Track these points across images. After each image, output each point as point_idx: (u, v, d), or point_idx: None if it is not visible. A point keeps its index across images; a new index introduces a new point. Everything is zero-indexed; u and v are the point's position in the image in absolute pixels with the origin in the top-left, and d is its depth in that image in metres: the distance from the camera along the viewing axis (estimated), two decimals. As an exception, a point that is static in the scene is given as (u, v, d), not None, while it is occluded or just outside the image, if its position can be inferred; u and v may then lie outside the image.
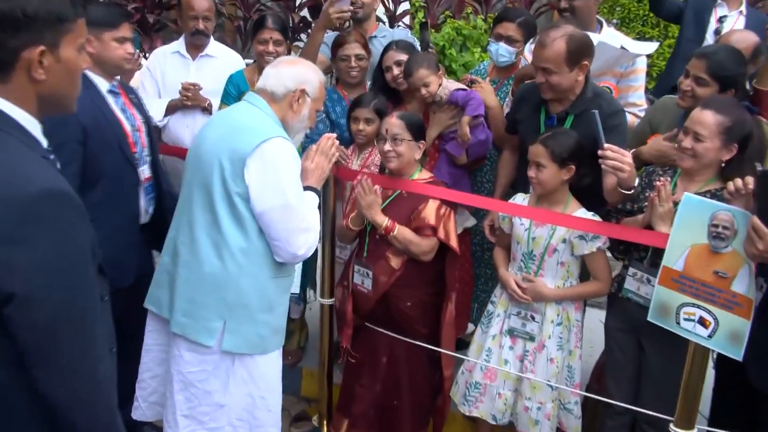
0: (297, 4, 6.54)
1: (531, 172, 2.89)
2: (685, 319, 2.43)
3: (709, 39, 4.72)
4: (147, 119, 3.12)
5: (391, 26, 6.19)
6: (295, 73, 2.59)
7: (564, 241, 2.90)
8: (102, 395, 1.57)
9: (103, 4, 2.82)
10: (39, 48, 1.49)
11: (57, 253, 1.45)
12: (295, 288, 3.27)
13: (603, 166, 2.67)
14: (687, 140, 2.61)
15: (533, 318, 2.96)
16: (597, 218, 2.90)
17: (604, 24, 3.62)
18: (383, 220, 2.99)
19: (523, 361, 2.98)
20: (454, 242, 3.03)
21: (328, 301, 3.28)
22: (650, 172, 2.91)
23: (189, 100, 3.82)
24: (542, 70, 2.92)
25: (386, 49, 3.64)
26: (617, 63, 3.46)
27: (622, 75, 3.55)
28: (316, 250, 3.06)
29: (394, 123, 3.06)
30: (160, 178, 3.15)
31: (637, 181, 2.73)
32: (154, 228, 3.12)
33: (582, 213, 2.91)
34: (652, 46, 3.57)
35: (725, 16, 4.79)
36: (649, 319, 2.53)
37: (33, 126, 1.55)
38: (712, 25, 4.80)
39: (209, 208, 2.47)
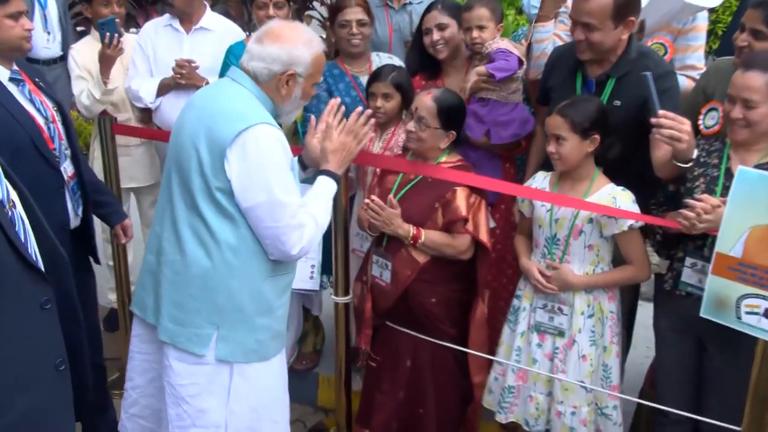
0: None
1: (551, 147, 2.69)
2: (748, 313, 2.24)
3: None
4: (59, 105, 2.75)
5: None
6: (282, 52, 2.30)
7: (590, 220, 2.70)
8: None
9: None
10: None
11: None
12: (315, 283, 3.17)
13: (657, 136, 2.48)
14: (736, 109, 2.42)
15: (561, 311, 2.77)
16: (628, 193, 2.68)
17: None
18: (407, 230, 2.82)
19: (553, 359, 2.80)
20: (484, 236, 2.84)
21: (343, 300, 3.05)
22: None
23: (183, 79, 3.56)
24: (582, 26, 2.70)
25: (429, 8, 3.31)
26: (677, 17, 3.16)
27: (679, 32, 3.21)
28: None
29: (425, 104, 2.86)
30: (82, 171, 2.80)
31: (696, 153, 2.54)
32: (85, 231, 2.85)
33: (610, 189, 2.70)
34: (717, 0, 3.21)
35: None
36: (702, 314, 2.33)
37: None
38: None
39: (191, 203, 2.29)
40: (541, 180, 2.87)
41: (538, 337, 2.80)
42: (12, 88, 2.55)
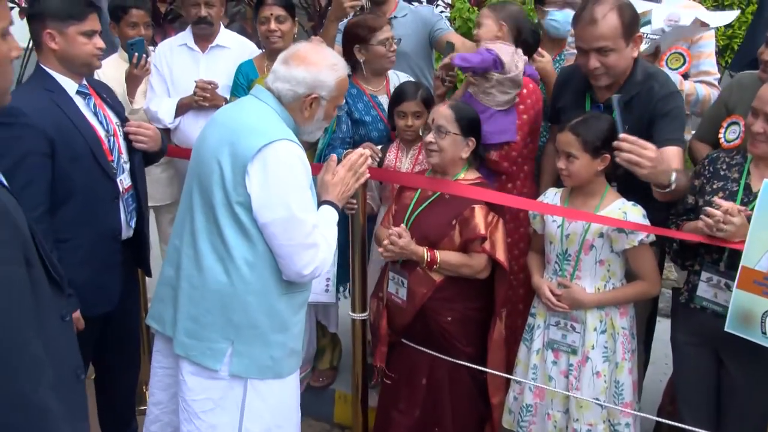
0: (325, -15, 6.22)
1: (561, 164, 2.67)
2: None
3: None
4: (123, 121, 2.83)
5: (430, 4, 5.84)
6: (307, 75, 2.33)
7: (601, 235, 2.67)
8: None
9: None
10: None
11: None
12: (330, 296, 3.20)
13: (617, 159, 2.47)
14: (758, 123, 2.39)
15: (573, 328, 2.73)
16: (639, 208, 2.66)
17: None
18: (422, 255, 2.80)
19: (568, 377, 2.76)
20: (501, 255, 2.81)
21: (360, 316, 3.01)
22: (714, 159, 2.65)
23: (206, 101, 3.54)
24: (596, 52, 2.64)
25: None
26: (692, 33, 3.14)
27: (692, 41, 3.23)
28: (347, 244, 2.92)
29: (442, 113, 2.85)
30: (139, 186, 2.88)
31: (674, 176, 2.50)
32: (138, 243, 2.90)
33: (620, 204, 2.67)
34: (730, 15, 3.24)
35: None
36: (727, 329, 2.34)
37: None
38: None
39: (211, 217, 2.30)
40: (552, 196, 2.85)
41: (553, 354, 2.77)
42: (78, 101, 2.63)
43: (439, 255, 2.78)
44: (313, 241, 2.28)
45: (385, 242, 2.81)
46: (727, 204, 2.37)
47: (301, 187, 2.28)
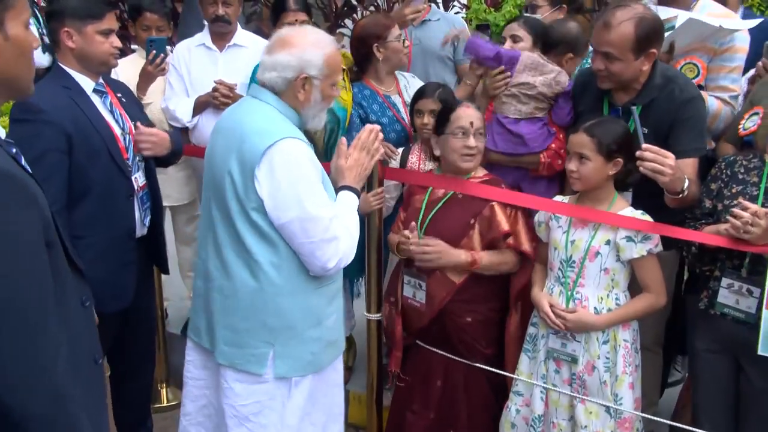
0: (340, -13, 6.22)
1: (572, 165, 2.61)
2: None
3: None
4: (139, 120, 2.84)
5: (446, 7, 5.86)
6: (291, 58, 2.28)
7: (608, 243, 2.61)
8: (54, 387, 1.48)
9: None
10: None
11: None
12: None
13: (641, 169, 2.48)
14: None
15: (573, 337, 2.67)
16: (647, 217, 2.61)
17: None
18: (465, 258, 2.77)
19: (572, 385, 2.70)
20: (526, 246, 2.82)
21: (375, 316, 2.99)
22: (730, 162, 2.60)
23: (224, 104, 3.50)
24: (603, 56, 2.65)
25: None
26: (711, 39, 3.05)
27: (715, 52, 3.09)
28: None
29: (478, 115, 2.85)
30: (155, 184, 2.91)
31: (687, 183, 2.52)
32: (152, 241, 2.91)
33: (630, 212, 2.63)
34: (751, 23, 3.16)
35: None
36: (761, 353, 2.29)
37: None
38: None
39: (231, 226, 2.30)
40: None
41: (555, 363, 2.73)
42: (95, 99, 2.66)
43: (481, 259, 2.76)
44: (333, 235, 2.25)
45: (418, 250, 2.77)
46: (754, 206, 2.34)
47: (312, 183, 2.26)
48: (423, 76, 3.72)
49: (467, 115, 2.82)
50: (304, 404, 2.41)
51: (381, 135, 2.52)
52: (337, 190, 2.42)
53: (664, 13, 2.85)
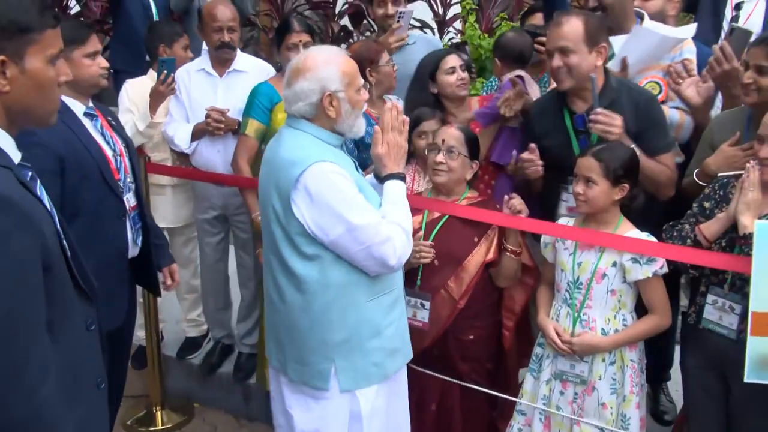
0: (336, 12, 6.36)
1: (579, 188, 2.63)
2: None
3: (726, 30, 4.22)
4: (128, 142, 2.92)
5: (440, 32, 5.94)
6: (310, 83, 2.32)
7: (614, 264, 2.64)
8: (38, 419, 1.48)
9: (64, 20, 2.58)
10: None
11: None
12: None
13: (592, 130, 2.74)
14: (765, 149, 2.39)
15: (581, 358, 2.69)
16: (653, 239, 2.66)
17: (645, 16, 3.29)
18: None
19: (573, 405, 2.72)
20: (526, 258, 2.94)
21: None
22: (723, 184, 2.61)
23: (220, 130, 3.56)
24: (559, 51, 2.80)
25: (445, 52, 3.43)
26: (660, 51, 3.17)
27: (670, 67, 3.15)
28: None
29: (453, 134, 2.88)
30: (143, 206, 2.96)
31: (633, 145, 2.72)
32: (141, 261, 2.93)
33: (635, 234, 2.66)
34: (690, 29, 3.26)
35: (742, 2, 4.25)
36: (747, 380, 2.27)
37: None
38: (729, 12, 4.27)
39: (277, 251, 2.38)
40: (564, 225, 2.83)
41: (561, 385, 2.74)
42: (86, 122, 2.69)
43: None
44: (386, 236, 2.29)
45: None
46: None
47: (349, 197, 2.28)
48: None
49: (443, 132, 2.90)
50: (371, 416, 2.43)
51: (401, 106, 2.56)
52: (382, 180, 2.45)
53: (615, 42, 3.00)
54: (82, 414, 1.65)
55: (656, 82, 3.17)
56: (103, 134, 2.75)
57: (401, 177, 2.44)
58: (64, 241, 1.70)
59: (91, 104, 2.76)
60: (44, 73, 1.57)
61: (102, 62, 2.70)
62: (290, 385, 2.47)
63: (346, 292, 2.34)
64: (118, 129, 2.89)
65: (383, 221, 2.31)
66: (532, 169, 2.88)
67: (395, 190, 2.41)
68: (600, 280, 2.65)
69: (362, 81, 2.45)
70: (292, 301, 2.37)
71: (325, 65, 2.31)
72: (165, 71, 3.44)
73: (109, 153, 2.72)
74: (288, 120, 2.43)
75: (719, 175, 2.65)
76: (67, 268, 1.63)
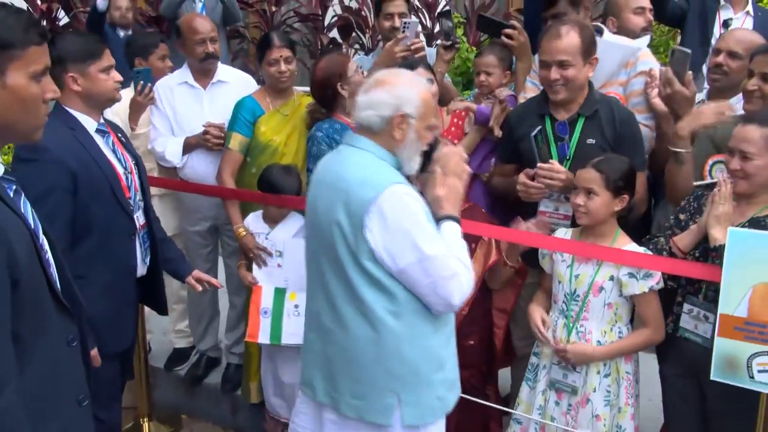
0: (325, 25, 6.36)
1: (579, 200, 2.65)
2: (761, 371, 2.25)
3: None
4: (138, 160, 2.90)
5: (429, 45, 5.97)
6: (387, 96, 2.26)
7: (611, 278, 2.67)
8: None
9: (76, 33, 2.59)
10: None
11: None
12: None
13: (536, 180, 2.83)
14: (734, 161, 2.47)
15: (574, 368, 2.72)
16: (650, 253, 2.68)
17: (605, 30, 3.37)
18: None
19: (567, 417, 2.74)
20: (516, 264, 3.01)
21: None
22: (698, 196, 2.67)
23: (221, 140, 3.53)
24: (557, 64, 2.84)
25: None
26: (621, 64, 3.24)
27: (627, 82, 3.25)
28: None
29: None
30: (153, 224, 2.93)
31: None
32: (149, 281, 2.92)
33: (633, 248, 2.69)
34: (644, 40, 3.40)
35: (730, 19, 4.45)
36: (713, 378, 2.33)
37: None
38: (717, 29, 4.46)
39: (343, 278, 2.26)
40: (561, 235, 2.84)
41: (555, 395, 2.76)
42: (98, 138, 2.68)
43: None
44: (454, 271, 2.20)
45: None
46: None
47: (422, 224, 2.21)
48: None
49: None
50: None
51: (465, 154, 2.49)
52: (438, 220, 2.35)
53: None
54: (56, 430, 1.64)
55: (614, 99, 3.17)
56: (114, 151, 2.74)
57: (457, 220, 2.36)
58: (49, 257, 1.69)
59: (102, 120, 2.74)
60: (26, 89, 1.58)
61: (116, 76, 2.68)
62: (340, 422, 2.34)
63: (415, 321, 2.25)
64: (128, 146, 2.87)
65: (451, 255, 2.22)
66: (538, 195, 2.93)
67: (453, 231, 2.31)
68: (597, 293, 2.68)
69: (436, 123, 2.40)
70: (356, 331, 2.25)
71: (409, 86, 2.29)
72: (141, 81, 3.44)
73: (120, 170, 2.71)
74: (348, 138, 2.38)
75: (695, 184, 2.71)
76: (47, 284, 1.62)
